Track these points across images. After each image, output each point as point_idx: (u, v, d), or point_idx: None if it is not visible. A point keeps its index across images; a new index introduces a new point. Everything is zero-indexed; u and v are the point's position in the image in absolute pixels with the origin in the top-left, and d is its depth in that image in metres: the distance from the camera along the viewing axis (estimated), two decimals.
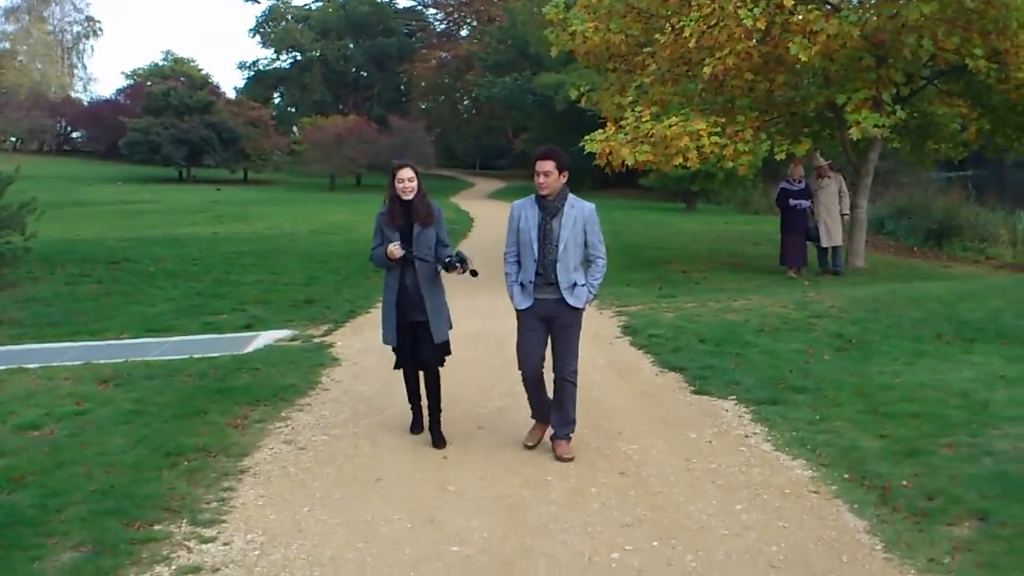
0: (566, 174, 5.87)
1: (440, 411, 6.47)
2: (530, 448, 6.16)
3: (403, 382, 6.68)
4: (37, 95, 60.93)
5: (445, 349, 6.50)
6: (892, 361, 8.14)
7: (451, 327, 6.50)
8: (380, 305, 6.89)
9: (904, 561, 4.41)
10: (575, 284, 5.91)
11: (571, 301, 5.91)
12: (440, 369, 6.51)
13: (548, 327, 6.01)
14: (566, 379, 6.04)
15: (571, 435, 6.11)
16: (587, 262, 6.03)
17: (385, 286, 6.49)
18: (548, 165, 5.78)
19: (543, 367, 6.09)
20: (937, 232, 21.28)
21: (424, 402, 6.58)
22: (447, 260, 6.27)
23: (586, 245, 5.95)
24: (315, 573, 4.43)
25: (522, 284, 5.99)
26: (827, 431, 6.30)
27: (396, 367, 6.65)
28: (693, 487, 5.49)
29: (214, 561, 4.55)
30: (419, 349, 6.40)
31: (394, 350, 6.55)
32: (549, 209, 5.87)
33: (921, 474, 5.39)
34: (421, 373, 6.55)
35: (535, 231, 5.89)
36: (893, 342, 8.84)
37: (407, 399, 6.70)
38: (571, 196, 5.94)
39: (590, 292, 5.99)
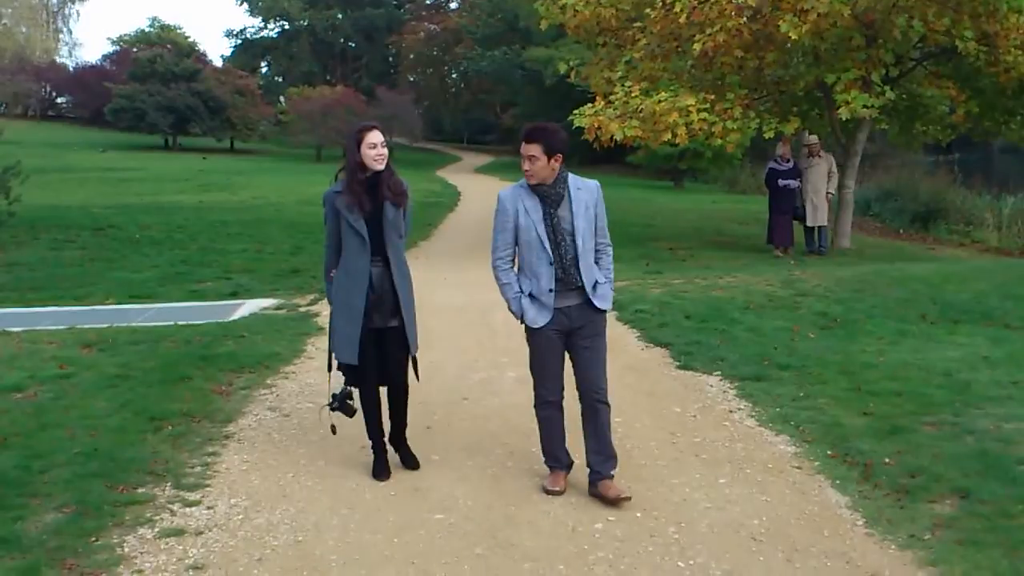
0: (559, 158, 4.74)
1: (406, 425, 5.40)
2: (556, 493, 4.99)
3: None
4: (22, 59, 60.40)
5: (415, 362, 5.32)
6: (876, 340, 8.18)
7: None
8: None
9: (885, 537, 4.44)
10: (596, 282, 4.89)
11: (599, 303, 4.87)
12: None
13: (568, 340, 4.95)
14: (600, 400, 4.97)
15: (614, 473, 5.02)
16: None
17: (343, 285, 5.09)
18: (533, 149, 4.70)
19: (564, 389, 5.10)
20: (923, 215, 21.39)
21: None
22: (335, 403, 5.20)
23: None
24: (299, 538, 4.43)
25: (532, 296, 4.87)
26: (811, 408, 6.33)
27: (338, 407, 5.20)
28: (677, 460, 5.51)
29: (198, 524, 4.55)
30: (386, 362, 5.18)
31: (351, 370, 5.19)
32: (551, 197, 4.78)
33: (903, 451, 5.43)
34: (384, 391, 5.30)
35: (542, 226, 4.78)
36: (878, 322, 8.88)
37: (367, 433, 5.31)
38: (572, 176, 4.87)
39: (611, 289, 5.00)
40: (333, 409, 5.18)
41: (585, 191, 4.85)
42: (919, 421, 5.94)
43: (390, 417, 5.34)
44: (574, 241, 4.78)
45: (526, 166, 4.75)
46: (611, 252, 5.01)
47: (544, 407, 5.08)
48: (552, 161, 4.72)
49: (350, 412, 5.20)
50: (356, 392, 5.24)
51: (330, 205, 5.08)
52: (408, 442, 5.40)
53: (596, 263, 4.92)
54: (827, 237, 15.23)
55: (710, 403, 6.61)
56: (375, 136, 4.99)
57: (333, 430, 5.26)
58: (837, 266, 13.04)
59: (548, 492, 5.00)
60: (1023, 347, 7.87)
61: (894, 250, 16.79)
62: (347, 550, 4.33)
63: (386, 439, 5.34)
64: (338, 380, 5.22)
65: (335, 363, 5.21)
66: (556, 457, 5.12)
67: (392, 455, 5.37)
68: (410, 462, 5.31)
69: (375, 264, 5.04)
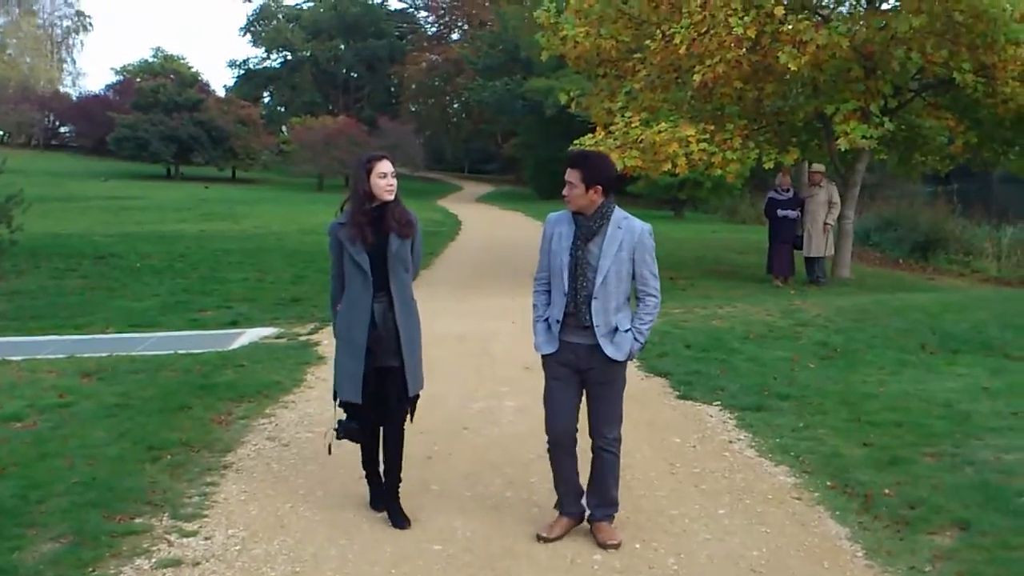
0: (599, 189, 4.55)
1: (400, 480, 5.04)
2: (545, 540, 4.76)
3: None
4: (26, 89, 60.87)
5: (415, 400, 5.10)
6: (876, 370, 8.18)
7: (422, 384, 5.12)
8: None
9: (885, 569, 4.42)
10: (616, 329, 4.62)
11: (610, 352, 4.61)
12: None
13: (582, 378, 4.75)
14: (604, 448, 4.80)
15: (613, 515, 4.90)
16: (635, 299, 4.75)
17: (345, 319, 4.93)
18: (573, 175, 4.55)
19: (576, 430, 4.85)
20: (923, 244, 21.40)
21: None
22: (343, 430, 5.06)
23: (634, 277, 4.68)
24: (296, 569, 4.41)
25: (548, 323, 4.74)
26: (811, 438, 6.32)
27: (344, 435, 5.07)
28: (676, 491, 5.50)
29: (195, 555, 4.53)
30: (385, 400, 4.94)
31: (350, 408, 5.02)
32: (585, 229, 4.59)
33: (903, 482, 5.41)
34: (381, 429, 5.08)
35: (567, 256, 4.62)
36: (878, 352, 8.89)
37: (362, 465, 5.20)
38: (619, 213, 4.63)
39: (636, 340, 4.67)
40: (340, 437, 5.05)
41: (626, 231, 4.60)
42: (919, 452, 5.93)
43: (384, 462, 5.07)
44: (594, 279, 4.58)
45: (565, 191, 4.60)
46: (653, 303, 4.70)
47: (552, 448, 4.85)
48: (591, 192, 4.54)
49: (357, 437, 5.06)
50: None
51: (334, 237, 4.90)
52: (401, 501, 5.04)
53: (635, 309, 4.71)
54: (824, 268, 15.18)
55: (710, 433, 6.60)
56: (386, 166, 4.82)
57: (329, 450, 5.21)
58: (837, 296, 13.04)
59: (538, 538, 4.78)
60: (1023, 378, 7.87)
61: (894, 280, 16.80)
62: None
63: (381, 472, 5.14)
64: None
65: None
66: (560, 502, 4.91)
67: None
68: (400, 522, 4.93)
69: (378, 300, 4.85)
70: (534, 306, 4.85)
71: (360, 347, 4.83)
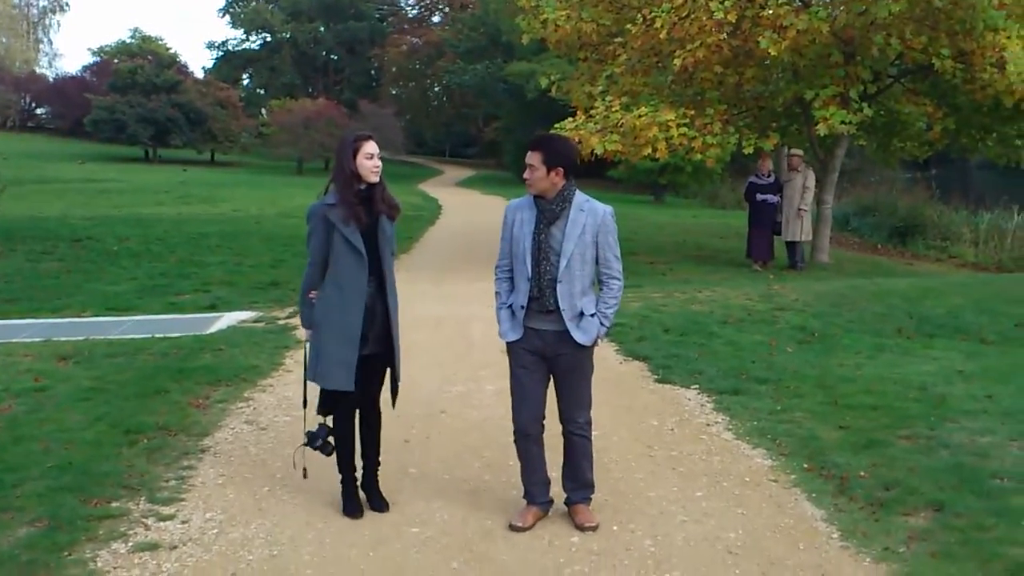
0: (561, 172, 4.53)
1: (378, 464, 5.02)
2: (518, 529, 4.71)
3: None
4: (1, 69, 60.19)
5: (396, 389, 5.04)
6: (853, 354, 8.23)
7: None
8: None
9: (860, 549, 4.45)
10: (582, 314, 4.60)
11: (577, 336, 4.58)
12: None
13: (549, 365, 4.72)
14: (574, 433, 4.77)
15: (590, 497, 4.93)
16: (598, 283, 4.73)
17: (335, 304, 4.72)
18: (533, 158, 4.53)
19: (544, 419, 4.82)
20: (901, 230, 21.55)
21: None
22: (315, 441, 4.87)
23: (597, 261, 4.67)
24: (274, 552, 4.41)
25: (512, 309, 4.71)
26: (787, 421, 6.36)
27: (317, 446, 4.87)
28: (654, 473, 5.52)
29: (172, 539, 4.52)
30: (371, 387, 4.92)
31: (333, 396, 4.88)
32: (547, 212, 4.56)
33: (879, 465, 5.46)
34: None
35: (529, 240, 4.59)
36: (855, 336, 8.94)
37: (339, 467, 4.94)
38: (580, 196, 4.61)
39: (602, 324, 4.66)
40: (315, 448, 4.86)
41: (589, 214, 4.57)
42: (895, 435, 5.98)
43: (362, 447, 4.99)
44: (557, 263, 4.54)
45: (526, 174, 4.57)
46: (617, 286, 4.68)
47: (519, 438, 4.80)
48: (552, 174, 4.51)
49: (329, 451, 4.88)
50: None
51: (320, 219, 4.70)
52: (380, 484, 5.01)
53: (598, 293, 4.68)
54: (802, 252, 15.22)
55: (687, 416, 6.63)
56: (372, 146, 4.71)
57: (305, 474, 4.99)
58: (815, 280, 13.10)
59: (511, 527, 4.71)
60: (997, 361, 7.96)
61: (872, 265, 16.90)
62: (322, 564, 4.31)
63: (358, 483, 5.00)
64: (313, 417, 4.99)
65: (310, 396, 4.94)
66: (529, 493, 4.86)
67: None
68: (380, 505, 4.92)
69: (368, 283, 4.72)
70: (496, 294, 4.80)
71: (355, 331, 4.69)
